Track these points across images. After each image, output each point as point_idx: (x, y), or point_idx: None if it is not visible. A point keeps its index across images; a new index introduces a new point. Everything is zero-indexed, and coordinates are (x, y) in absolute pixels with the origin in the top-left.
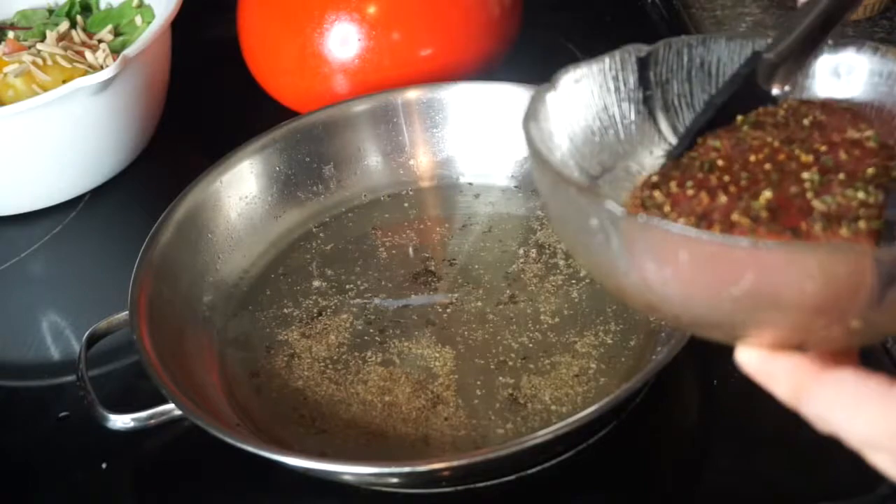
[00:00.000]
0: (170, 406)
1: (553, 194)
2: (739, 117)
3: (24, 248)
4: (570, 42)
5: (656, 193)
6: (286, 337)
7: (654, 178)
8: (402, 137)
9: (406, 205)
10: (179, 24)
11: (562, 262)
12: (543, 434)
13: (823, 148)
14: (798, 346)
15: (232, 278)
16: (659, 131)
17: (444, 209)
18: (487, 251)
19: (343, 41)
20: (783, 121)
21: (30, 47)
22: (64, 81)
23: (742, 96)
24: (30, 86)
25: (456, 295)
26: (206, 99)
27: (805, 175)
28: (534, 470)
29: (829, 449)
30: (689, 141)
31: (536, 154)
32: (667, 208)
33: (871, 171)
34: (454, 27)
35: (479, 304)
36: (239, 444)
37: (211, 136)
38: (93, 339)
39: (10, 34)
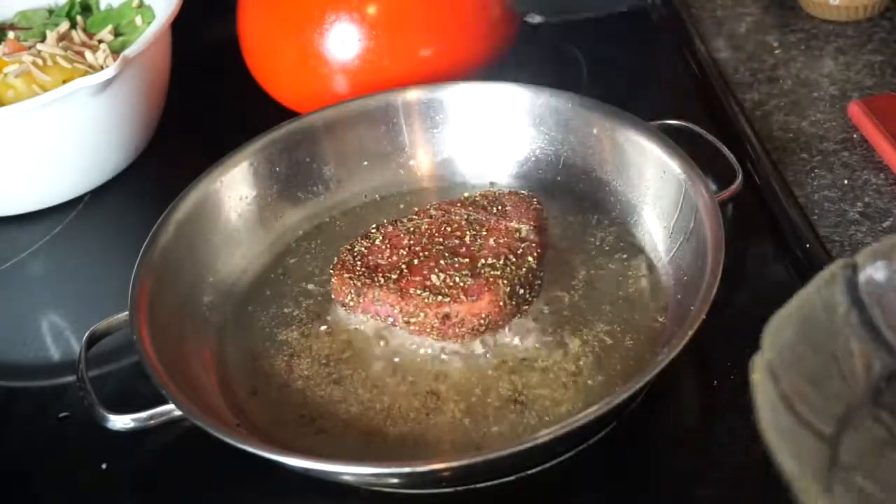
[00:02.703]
0: (170, 406)
1: None
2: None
3: (24, 248)
4: (570, 42)
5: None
6: (286, 337)
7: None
8: (402, 137)
9: (406, 205)
10: (179, 24)
11: (561, 263)
12: (544, 435)
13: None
14: None
15: (232, 278)
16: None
17: None
18: None
19: (343, 41)
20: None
21: (30, 47)
22: (64, 81)
23: None
24: (30, 86)
25: None
26: (206, 99)
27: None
28: (534, 470)
29: None
30: None
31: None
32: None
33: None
34: (454, 27)
35: None
36: (239, 444)
37: (211, 136)
38: (93, 340)
39: (10, 34)
